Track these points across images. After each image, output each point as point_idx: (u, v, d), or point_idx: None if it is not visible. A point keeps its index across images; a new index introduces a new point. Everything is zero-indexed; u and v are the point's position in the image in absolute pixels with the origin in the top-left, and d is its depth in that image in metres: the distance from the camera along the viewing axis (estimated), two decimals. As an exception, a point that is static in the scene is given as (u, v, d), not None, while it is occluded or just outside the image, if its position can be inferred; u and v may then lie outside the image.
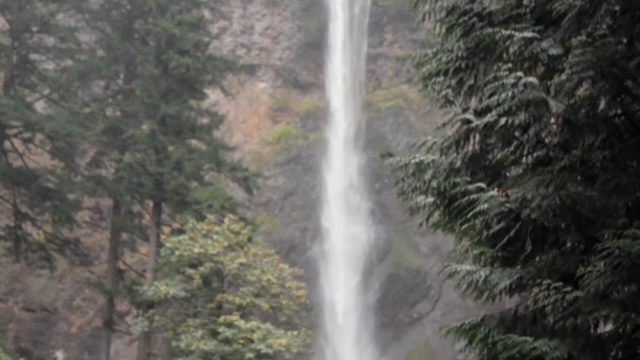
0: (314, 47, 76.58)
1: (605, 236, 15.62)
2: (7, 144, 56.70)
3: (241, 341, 42.44)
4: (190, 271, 45.56)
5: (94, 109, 57.00)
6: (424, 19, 18.58)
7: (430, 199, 18.40)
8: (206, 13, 59.75)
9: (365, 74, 76.72)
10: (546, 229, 16.60)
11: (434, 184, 18.13)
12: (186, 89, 53.01)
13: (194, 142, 55.35)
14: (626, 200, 16.22)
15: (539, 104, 16.07)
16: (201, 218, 48.60)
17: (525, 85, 15.80)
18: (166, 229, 54.53)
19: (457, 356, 19.78)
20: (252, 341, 42.46)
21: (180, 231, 50.14)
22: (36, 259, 57.84)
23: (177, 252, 45.79)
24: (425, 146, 18.68)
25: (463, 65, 17.83)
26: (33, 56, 58.04)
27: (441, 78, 18.12)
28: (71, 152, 56.55)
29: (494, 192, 16.42)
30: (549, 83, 16.62)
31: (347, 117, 75.63)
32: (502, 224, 16.76)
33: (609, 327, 15.97)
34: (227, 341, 42.65)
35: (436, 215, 18.86)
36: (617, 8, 16.35)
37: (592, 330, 16.12)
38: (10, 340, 63.42)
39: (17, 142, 57.77)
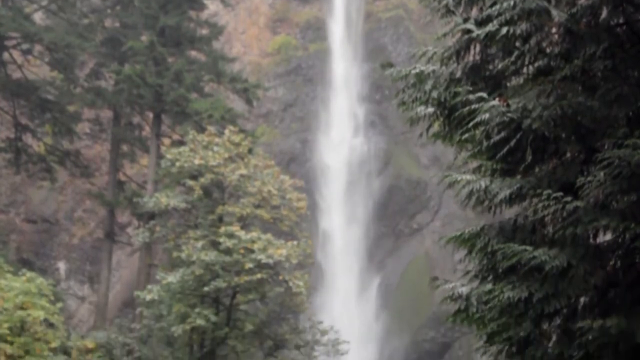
0: (314, -43, 75.82)
1: (606, 146, 15.63)
2: (6, 55, 56.39)
3: (242, 251, 42.67)
4: (190, 182, 45.64)
5: (93, 20, 56.52)
6: None
7: (431, 110, 18.37)
8: None
9: (365, -16, 75.99)
10: (547, 139, 16.59)
11: (435, 94, 18.08)
12: (185, -1, 52.65)
13: (193, 54, 55.05)
14: (627, 110, 16.19)
15: (540, 13, 15.96)
16: (201, 129, 48.54)
17: (527, -6, 15.69)
18: (166, 141, 54.52)
19: (457, 266, 19.90)
20: (252, 251, 42.68)
21: (181, 143, 50.14)
22: (37, 170, 57.92)
23: (177, 164, 45.82)
24: (425, 56, 18.59)
25: (464, -26, 17.68)
26: (30, -34, 57.46)
27: (442, -13, 17.98)
28: (70, 64, 56.21)
29: (495, 102, 16.39)
30: (550, -8, 16.49)
31: (347, 28, 75.10)
32: (502, 134, 16.74)
33: (608, 236, 16.06)
34: (227, 252, 42.89)
35: (436, 126, 18.84)
36: None
37: (591, 240, 16.21)
38: (12, 251, 63.84)
39: (16, 54, 57.45)
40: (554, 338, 16.59)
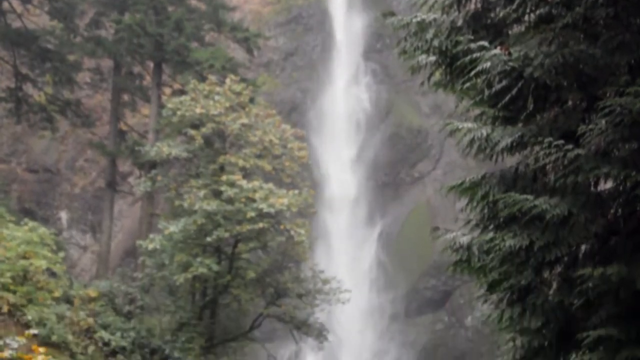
0: None
1: (607, 94, 15.61)
2: (5, 4, 56.12)
3: (243, 201, 42.75)
4: (192, 132, 45.61)
5: (92, -32, 56.20)
6: None
7: (432, 58, 18.32)
8: None
9: None
10: (548, 87, 16.56)
11: (436, 42, 18.02)
12: (185, -54, 52.33)
13: (193, 2, 54.72)
14: (629, 58, 16.14)
15: (542, -40, 15.88)
16: (202, 79, 48.41)
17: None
18: (167, 90, 54.41)
19: (458, 215, 19.95)
20: (254, 201, 42.75)
21: (182, 92, 50.04)
22: (38, 120, 57.85)
23: (178, 113, 45.76)
24: (426, 5, 18.51)
25: None
26: None
27: None
28: (70, 13, 55.92)
29: (496, 51, 16.34)
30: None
31: (348, -24, 74.69)
32: (504, 83, 16.70)
33: (609, 184, 16.08)
34: (229, 201, 42.96)
35: (438, 75, 18.80)
36: None
37: (592, 188, 16.24)
38: (14, 201, 63.99)
39: (15, 3, 57.17)
40: (554, 286, 16.67)
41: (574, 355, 15.63)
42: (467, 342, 67.98)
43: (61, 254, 43.44)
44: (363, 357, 67.33)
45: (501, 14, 17.55)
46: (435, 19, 18.25)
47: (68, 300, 41.93)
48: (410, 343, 69.34)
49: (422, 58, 18.34)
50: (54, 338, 38.28)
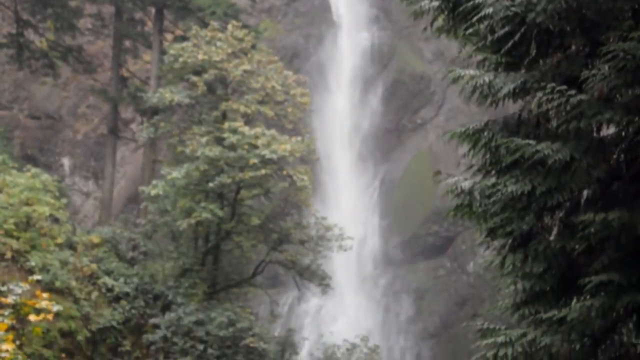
0: None
1: (610, 39, 15.54)
2: (5, -50, 55.79)
3: (246, 147, 42.72)
4: (194, 78, 45.48)
5: None
6: None
7: (435, 3, 18.22)
8: None
9: None
10: (551, 33, 16.50)
11: (439, -13, 17.91)
12: None
13: (195, -53, 54.39)
14: (632, 2, 16.05)
15: None
16: (204, 25, 48.17)
17: None
18: (169, 37, 54.17)
19: (461, 161, 19.93)
20: (256, 147, 42.73)
21: (183, 38, 49.83)
22: (39, 66, 57.68)
23: (180, 59, 45.62)
24: (430, -51, 18.37)
25: None
26: None
27: None
28: (71, -42, 55.63)
29: (499, -4, 16.26)
30: None
31: None
32: (506, 28, 16.64)
33: (611, 129, 16.07)
34: (231, 147, 42.94)
35: (440, 20, 18.70)
36: None
37: (594, 133, 16.22)
38: (16, 147, 64.02)
39: (15, -52, 56.83)
40: (556, 231, 16.70)
41: (575, 301, 15.69)
42: (468, 288, 68.30)
43: (64, 201, 43.52)
44: (365, 303, 67.67)
45: (504, -41, 17.41)
46: (437, -36, 18.13)
47: (71, 246, 42.08)
48: (412, 289, 69.66)
49: (425, 3, 18.25)
50: (58, 284, 38.48)
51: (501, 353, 16.38)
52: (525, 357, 16.50)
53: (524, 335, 16.16)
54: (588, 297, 15.36)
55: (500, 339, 16.42)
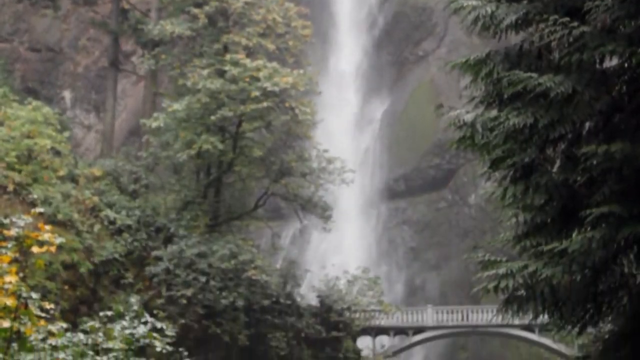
0: None
1: (614, -30, 15.39)
2: None
3: (247, 79, 42.58)
4: (195, 10, 45.20)
5: None
6: None
7: None
8: None
9: None
10: (554, -37, 16.34)
11: None
12: None
13: None
14: None
15: None
16: (204, -44, 47.77)
17: None
18: (169, -32, 53.74)
19: (462, 93, 19.84)
20: (258, 80, 42.59)
21: (184, -31, 49.43)
22: (39, -3, 57.33)
23: (181, -9, 45.35)
24: None
25: None
26: None
27: None
28: None
29: None
30: None
31: None
32: (509, -42, 16.48)
33: (614, 61, 15.99)
34: (233, 80, 42.80)
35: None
36: None
37: (597, 65, 16.15)
38: (17, 80, 63.84)
39: None
40: (558, 163, 16.70)
41: (576, 232, 15.73)
42: (470, 220, 68.51)
43: (65, 133, 43.48)
44: (366, 236, 67.95)
45: None
46: None
47: (73, 179, 42.12)
48: (414, 222, 69.90)
49: None
50: (60, 216, 38.57)
51: (502, 284, 16.46)
52: (526, 289, 16.59)
53: (525, 267, 16.22)
54: (589, 228, 15.39)
55: (502, 270, 16.49)
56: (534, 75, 15.68)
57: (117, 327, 16.57)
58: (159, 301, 40.55)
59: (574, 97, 15.64)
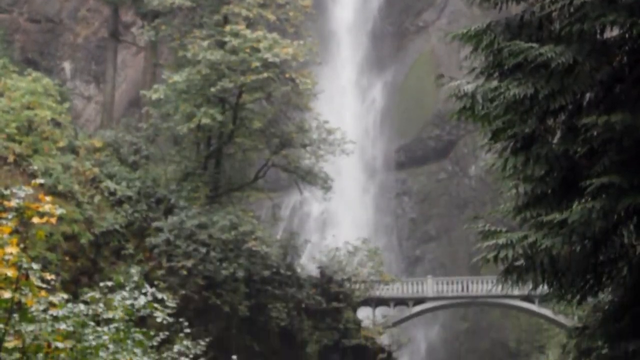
0: None
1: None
2: None
3: (247, 50, 42.50)
4: (194, -19, 45.08)
5: None
6: None
7: None
8: None
9: None
10: None
11: None
12: None
13: None
14: None
15: None
16: None
17: None
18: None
19: (463, 64, 19.78)
20: (258, 50, 42.52)
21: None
22: (38, -31, 57.07)
23: (180, -39, 45.13)
24: None
25: None
26: None
27: None
28: None
29: None
30: None
31: None
32: None
33: (615, 32, 15.93)
34: (233, 51, 42.72)
35: None
36: None
37: (598, 36, 16.08)
38: (17, 51, 63.71)
39: None
40: (558, 134, 16.68)
41: (576, 203, 15.73)
42: (470, 191, 68.56)
43: (66, 105, 43.45)
44: (366, 206, 68.01)
45: None
46: None
47: (73, 150, 42.12)
48: (414, 192, 69.95)
49: None
50: (60, 187, 38.61)
51: (502, 255, 16.48)
52: (525, 259, 16.61)
53: (525, 237, 16.22)
54: (589, 199, 15.38)
55: (501, 241, 16.49)
56: (535, 45, 15.63)
57: (117, 298, 16.58)
58: (160, 272, 40.66)
59: (574, 67, 15.59)
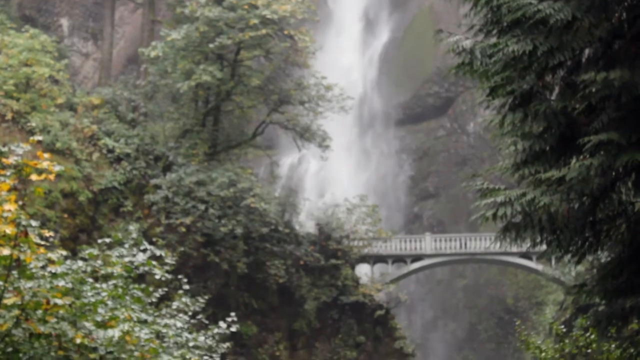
0: None
1: None
2: None
3: (246, 7, 42.35)
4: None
5: None
6: None
7: None
8: None
9: None
10: None
11: None
12: None
13: None
14: None
15: None
16: None
17: None
18: None
19: (462, 20, 19.68)
20: (256, 7, 42.37)
21: None
22: None
23: None
24: None
25: None
26: None
27: None
28: None
29: None
30: None
31: None
32: None
33: None
34: (231, 8, 42.56)
35: None
36: None
37: (597, -9, 16.01)
38: (14, 7, 63.36)
39: None
40: (557, 91, 16.62)
41: (574, 160, 15.71)
42: (468, 148, 68.56)
43: (63, 62, 43.34)
44: (364, 164, 68.04)
45: None
46: None
47: (71, 107, 42.08)
48: (412, 149, 69.95)
49: None
50: (58, 145, 38.62)
51: (500, 212, 16.46)
52: (524, 217, 16.60)
53: (524, 194, 16.20)
54: (587, 156, 15.35)
55: (500, 198, 16.47)
56: (534, 2, 15.54)
57: (115, 255, 16.63)
58: (158, 229, 40.76)
59: (573, 23, 15.51)
